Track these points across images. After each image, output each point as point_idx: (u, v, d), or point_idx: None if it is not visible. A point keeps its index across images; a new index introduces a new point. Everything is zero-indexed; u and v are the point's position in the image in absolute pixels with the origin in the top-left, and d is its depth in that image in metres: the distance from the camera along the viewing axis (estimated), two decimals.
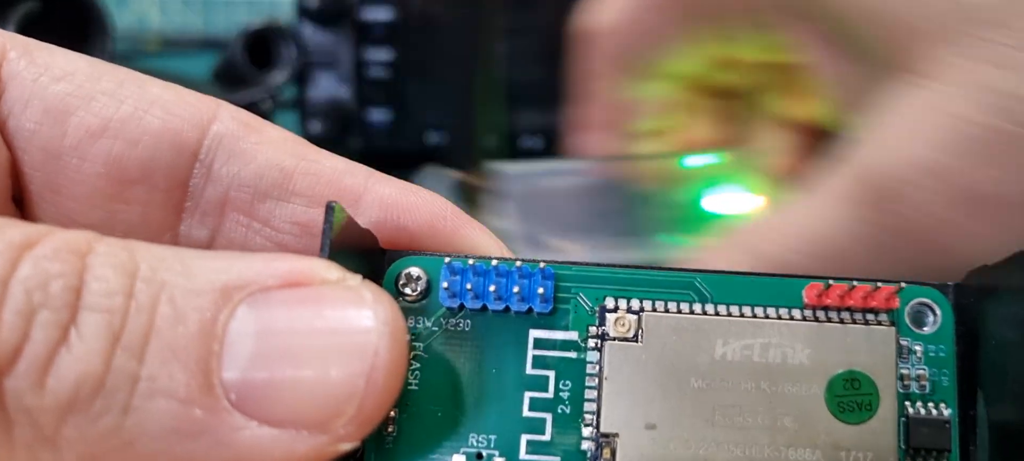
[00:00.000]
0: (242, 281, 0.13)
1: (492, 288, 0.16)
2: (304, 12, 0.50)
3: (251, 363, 0.13)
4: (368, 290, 0.14)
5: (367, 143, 0.51)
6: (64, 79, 0.17)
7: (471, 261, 0.16)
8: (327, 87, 0.51)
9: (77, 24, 0.44)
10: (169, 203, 0.18)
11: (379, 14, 0.49)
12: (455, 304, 0.16)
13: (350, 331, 0.13)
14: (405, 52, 0.49)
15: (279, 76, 0.52)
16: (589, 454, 0.16)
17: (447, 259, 0.16)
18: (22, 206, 0.18)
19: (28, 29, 0.41)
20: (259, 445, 0.13)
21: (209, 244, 0.18)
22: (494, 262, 0.16)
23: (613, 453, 0.16)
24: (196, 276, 0.13)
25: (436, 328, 0.16)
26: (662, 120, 0.33)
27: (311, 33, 0.50)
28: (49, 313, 0.12)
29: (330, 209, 0.15)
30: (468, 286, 0.16)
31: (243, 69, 0.53)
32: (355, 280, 0.14)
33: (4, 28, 0.40)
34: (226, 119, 0.18)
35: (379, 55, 0.50)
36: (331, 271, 0.14)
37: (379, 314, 0.13)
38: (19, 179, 0.17)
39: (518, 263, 0.16)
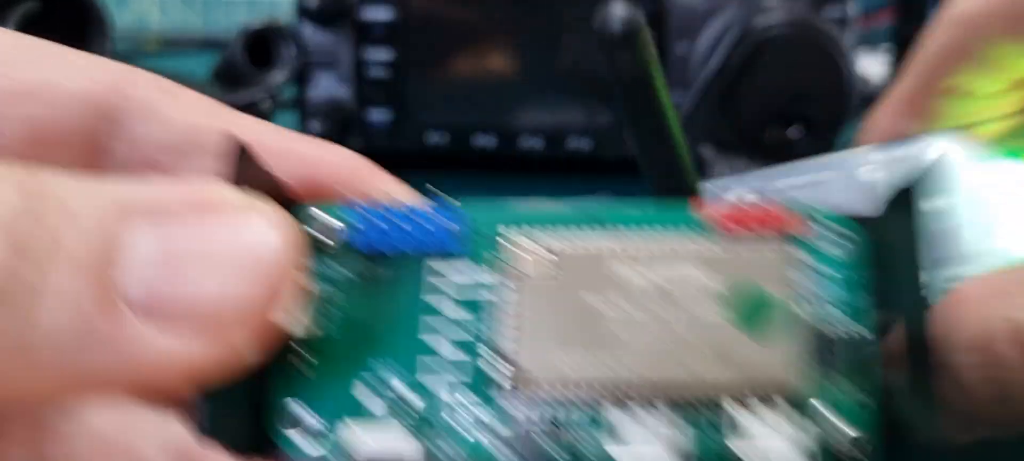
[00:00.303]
0: (141, 199, 0.13)
1: (401, 229, 0.16)
2: (304, 12, 0.49)
3: (151, 275, 0.13)
4: (266, 209, 0.14)
5: (367, 143, 0.51)
6: None
7: (381, 207, 0.17)
8: (327, 87, 0.51)
9: (77, 24, 0.44)
10: (86, 165, 0.18)
11: (379, 14, 0.49)
12: (363, 245, 0.17)
13: (248, 246, 0.14)
14: (405, 52, 0.49)
15: (279, 76, 0.52)
16: (496, 380, 0.16)
17: (358, 206, 0.17)
18: None
19: (28, 28, 0.41)
20: (159, 354, 0.13)
21: None
22: (403, 206, 0.17)
23: (521, 380, 0.16)
24: (95, 194, 0.13)
25: (344, 271, 0.17)
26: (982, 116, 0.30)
27: (311, 33, 0.50)
28: None
29: (231, 141, 0.15)
30: (377, 231, 0.16)
31: (243, 69, 0.53)
32: (255, 200, 0.14)
33: (3, 27, 0.40)
34: (142, 84, 0.18)
35: (379, 55, 0.50)
36: (230, 192, 0.14)
37: (277, 231, 0.14)
38: None
39: (428, 206, 0.17)
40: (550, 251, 0.16)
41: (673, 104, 0.50)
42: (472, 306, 0.16)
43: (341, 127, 0.50)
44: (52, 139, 0.17)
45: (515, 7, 0.49)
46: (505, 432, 0.16)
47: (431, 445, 0.16)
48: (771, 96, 0.45)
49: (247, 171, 0.15)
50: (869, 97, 0.60)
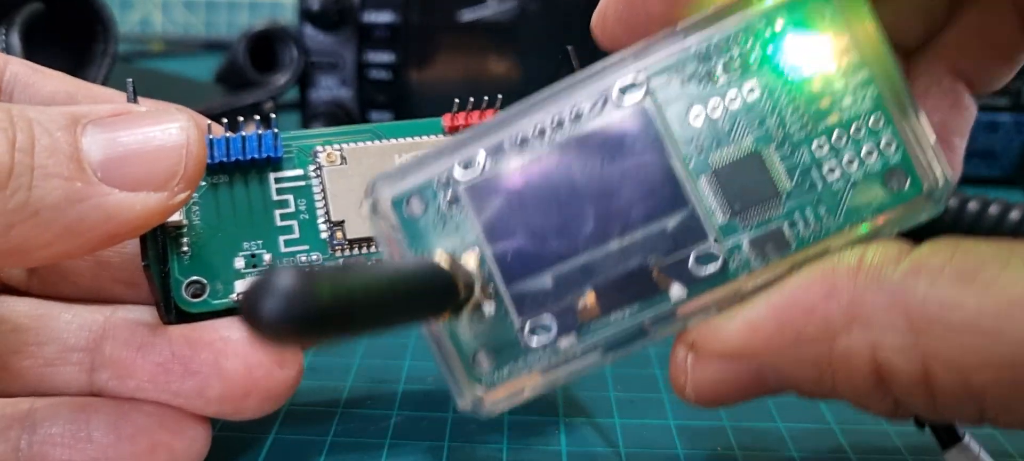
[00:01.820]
0: (82, 113, 0.19)
1: (238, 149, 0.23)
2: (306, 15, 0.50)
3: (106, 154, 0.19)
4: (174, 106, 0.21)
5: None
6: None
7: (224, 138, 0.23)
8: (329, 89, 0.52)
9: (81, 26, 0.44)
10: None
11: (381, 17, 0.50)
12: (215, 163, 0.23)
13: (170, 126, 0.20)
14: (406, 54, 0.50)
15: (281, 78, 0.53)
16: (328, 239, 0.24)
17: (210, 136, 0.23)
18: None
19: (32, 31, 0.42)
20: (124, 203, 0.19)
21: None
22: (242, 138, 0.23)
23: (344, 234, 0.23)
24: (49, 112, 0.19)
25: (205, 180, 0.24)
26: None
27: (313, 35, 0.51)
28: None
29: (129, 81, 0.22)
30: (224, 153, 0.23)
31: (245, 71, 0.54)
32: (163, 104, 0.21)
33: (9, 30, 0.40)
34: (16, 65, 0.24)
35: (380, 57, 0.50)
36: (144, 106, 0.20)
37: (184, 117, 0.20)
38: None
39: (260, 132, 0.24)
40: (348, 150, 0.24)
41: None
42: (302, 194, 0.24)
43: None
44: None
45: (515, 9, 0.50)
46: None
47: None
48: None
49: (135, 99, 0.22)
50: None
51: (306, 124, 0.52)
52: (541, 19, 0.50)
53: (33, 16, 0.42)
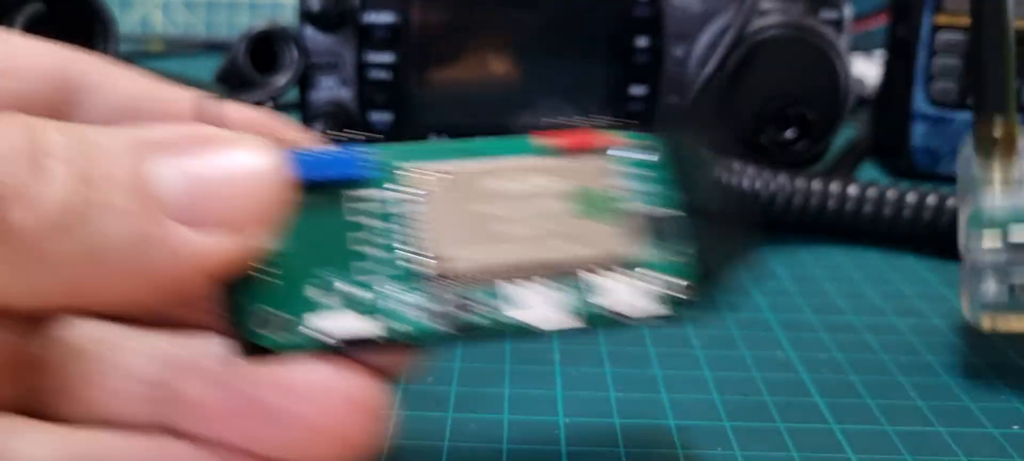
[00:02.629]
0: (153, 138, 0.17)
1: (317, 164, 0.21)
2: (306, 15, 0.50)
3: (180, 188, 0.17)
4: (254, 137, 0.18)
5: None
6: None
7: (308, 153, 0.20)
8: (329, 90, 0.52)
9: (81, 26, 0.44)
10: None
11: (381, 18, 0.50)
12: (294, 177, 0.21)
13: (248, 161, 0.18)
14: (407, 55, 0.50)
15: (281, 78, 0.53)
16: (417, 272, 0.20)
17: (287, 149, 0.20)
18: None
19: (33, 30, 0.42)
20: (197, 247, 0.17)
21: None
22: (324, 152, 0.21)
23: (439, 271, 0.20)
24: (117, 137, 0.17)
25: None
26: None
27: (313, 36, 0.51)
28: (23, 157, 0.16)
29: (209, 103, 0.20)
30: (301, 166, 0.20)
31: (246, 71, 0.54)
32: (241, 133, 0.18)
33: (10, 29, 0.41)
34: (83, 61, 0.22)
35: (381, 58, 0.50)
36: (223, 131, 0.18)
37: (266, 150, 0.18)
38: None
39: (338, 147, 0.21)
40: (442, 172, 0.21)
41: (671, 104, 0.50)
42: (384, 218, 0.21)
43: (343, 129, 0.50)
44: (22, 108, 0.20)
45: (516, 10, 0.50)
46: (433, 309, 0.20)
47: (384, 325, 0.20)
48: (767, 99, 0.46)
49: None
50: (864, 99, 0.61)
51: (307, 125, 0.52)
52: (541, 20, 0.50)
53: (34, 16, 0.42)
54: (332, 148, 0.21)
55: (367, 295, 0.20)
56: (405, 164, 0.21)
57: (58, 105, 0.21)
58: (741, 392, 0.29)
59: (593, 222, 0.21)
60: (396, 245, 0.21)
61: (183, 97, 0.22)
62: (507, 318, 0.20)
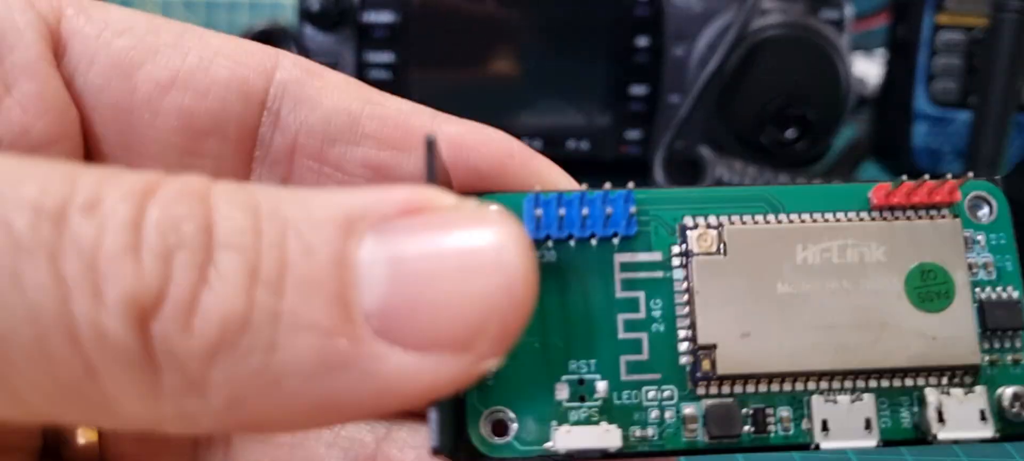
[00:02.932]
0: (361, 211, 0.13)
1: (575, 214, 0.16)
2: (306, 15, 0.50)
3: (387, 290, 0.12)
4: (491, 208, 0.13)
5: None
6: (126, 33, 0.17)
7: (553, 194, 0.16)
8: None
9: None
10: (240, 154, 0.17)
11: (381, 17, 0.50)
12: (541, 235, 0.17)
13: (482, 249, 0.13)
14: (407, 54, 0.50)
15: None
16: (688, 368, 0.16)
17: (532, 193, 0.16)
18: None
19: None
20: (405, 372, 0.12)
21: None
22: (577, 195, 0.17)
23: (713, 364, 0.16)
24: (315, 209, 0.13)
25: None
26: None
27: (313, 35, 0.50)
28: (186, 254, 0.12)
29: (430, 143, 0.15)
30: (554, 219, 0.16)
31: None
32: (471, 202, 0.14)
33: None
34: (288, 66, 0.18)
35: (380, 57, 0.50)
36: (447, 197, 0.13)
37: (507, 230, 0.13)
38: (89, 140, 0.17)
39: (606, 186, 0.17)
40: (730, 233, 0.17)
41: (671, 104, 0.50)
42: (658, 292, 0.17)
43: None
44: (206, 129, 0.17)
45: (516, 10, 0.50)
46: (695, 412, 0.16)
47: (628, 432, 0.16)
48: (768, 98, 0.46)
49: (435, 167, 0.15)
50: (865, 99, 0.61)
51: None
52: (542, 20, 0.50)
53: None
54: (592, 192, 0.17)
55: (619, 397, 0.16)
56: (690, 218, 0.17)
57: (249, 124, 0.17)
58: None
59: (925, 313, 0.17)
60: (664, 329, 0.16)
61: (411, 114, 0.18)
62: (788, 435, 0.16)
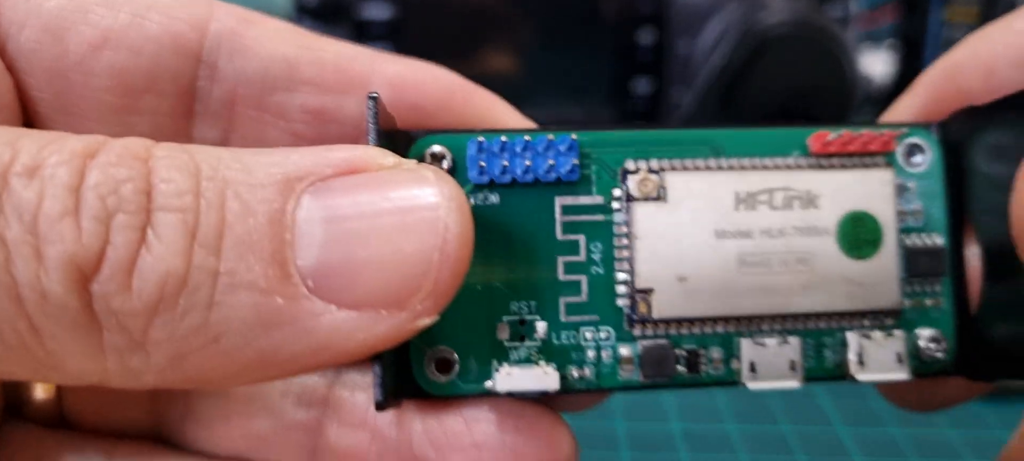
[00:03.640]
0: (300, 172, 0.13)
1: (520, 162, 0.17)
2: (303, 9, 0.49)
3: (324, 249, 0.13)
4: (428, 169, 0.14)
5: None
6: None
7: (503, 137, 0.17)
8: None
9: None
10: (178, 109, 0.17)
11: (378, 12, 0.49)
12: (484, 180, 0.17)
13: (417, 208, 0.13)
14: (405, 50, 0.49)
15: None
16: (625, 310, 0.17)
17: (477, 137, 0.16)
18: None
19: None
20: (340, 329, 0.13)
21: (222, 144, 0.18)
22: (522, 137, 0.17)
23: (649, 307, 0.17)
24: (255, 170, 0.13)
25: (473, 203, 0.17)
26: None
27: (310, 30, 0.50)
28: (125, 216, 0.12)
29: (373, 99, 0.15)
30: (497, 163, 0.17)
31: None
32: (411, 163, 0.14)
33: None
34: (222, 16, 0.18)
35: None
36: (387, 157, 0.14)
37: (443, 190, 0.13)
38: (27, 105, 0.17)
39: (550, 137, 0.17)
40: (670, 179, 0.17)
41: (675, 100, 0.49)
42: (598, 236, 0.17)
43: None
44: (142, 87, 0.17)
45: (516, 4, 0.49)
46: (630, 353, 0.17)
47: (566, 371, 0.17)
48: (774, 94, 0.45)
49: (383, 118, 0.15)
50: (872, 95, 0.60)
51: None
52: (542, 15, 0.49)
53: None
54: (538, 133, 0.17)
55: (558, 338, 0.17)
56: (632, 162, 0.17)
57: (187, 79, 0.17)
58: None
59: (853, 260, 0.17)
60: (603, 272, 0.17)
61: (351, 56, 0.18)
62: (718, 375, 0.17)
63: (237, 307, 0.12)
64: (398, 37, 0.49)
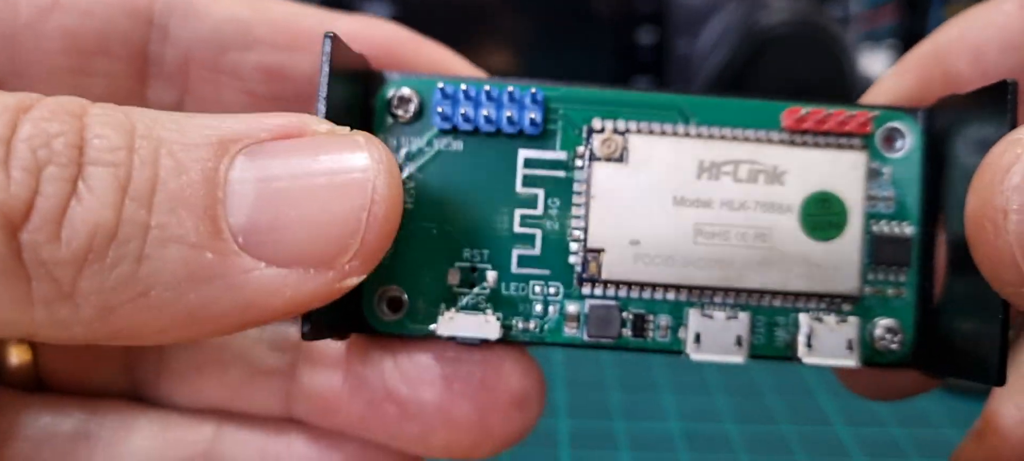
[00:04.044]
0: (235, 134, 0.13)
1: (484, 111, 0.17)
2: None
3: (255, 207, 0.13)
4: (360, 135, 0.14)
5: None
6: None
7: (464, 85, 0.17)
8: None
9: None
10: (132, 71, 0.18)
11: (378, 11, 0.49)
12: (448, 125, 0.17)
13: (347, 170, 0.14)
14: None
15: None
16: (576, 268, 0.17)
17: (441, 83, 0.17)
18: None
19: None
20: (269, 285, 0.13)
21: (178, 106, 0.18)
22: (486, 87, 0.17)
23: (599, 268, 0.17)
24: (191, 131, 0.13)
25: (428, 148, 0.17)
26: None
27: None
28: (56, 168, 0.12)
29: (329, 37, 0.15)
30: (462, 110, 0.17)
31: None
32: (343, 129, 0.14)
33: None
34: None
35: None
36: (321, 124, 0.14)
37: (373, 154, 0.14)
38: None
39: (510, 88, 0.17)
40: (634, 141, 0.17)
41: None
42: (557, 191, 0.17)
43: None
44: (93, 49, 0.17)
45: (515, 4, 0.49)
46: (577, 311, 0.17)
47: (511, 322, 0.17)
48: (774, 93, 0.45)
49: (340, 55, 0.16)
50: None
51: None
52: (542, 15, 0.49)
53: None
54: (502, 84, 0.17)
55: (505, 288, 0.17)
56: (599, 120, 0.17)
57: (139, 42, 0.17)
58: None
59: (814, 241, 0.17)
60: (558, 228, 0.17)
61: (302, 16, 0.18)
62: (664, 342, 0.17)
63: (167, 260, 0.13)
64: None
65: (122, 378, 0.18)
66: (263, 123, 0.14)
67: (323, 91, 0.15)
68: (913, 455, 0.25)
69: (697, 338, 0.17)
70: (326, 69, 0.15)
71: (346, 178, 0.14)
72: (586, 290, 0.17)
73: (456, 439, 0.17)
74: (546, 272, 0.17)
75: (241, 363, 0.18)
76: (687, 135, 0.17)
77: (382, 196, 0.14)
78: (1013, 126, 0.15)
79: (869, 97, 0.19)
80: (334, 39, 0.15)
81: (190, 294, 0.13)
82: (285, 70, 0.18)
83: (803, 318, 0.17)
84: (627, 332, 0.17)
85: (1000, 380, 0.16)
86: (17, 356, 0.18)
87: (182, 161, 0.13)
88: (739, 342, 0.17)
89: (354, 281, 0.14)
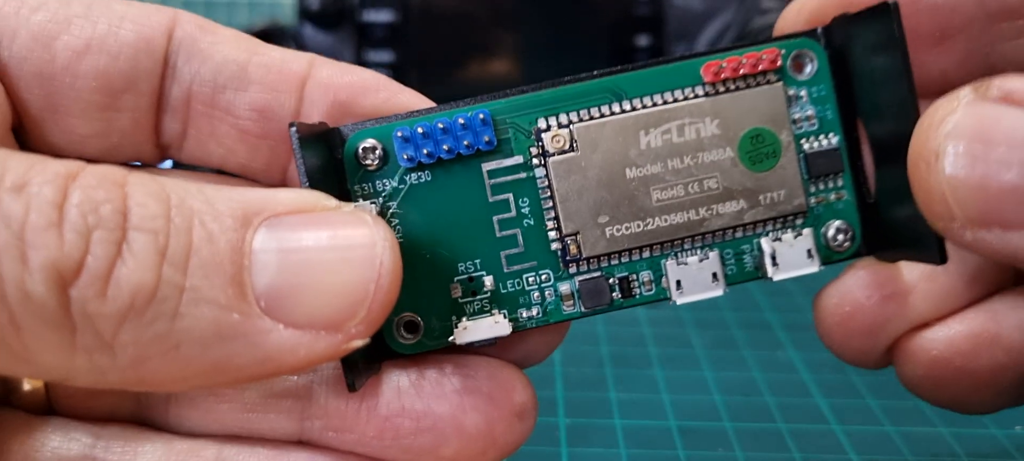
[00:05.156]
0: (257, 208, 0.15)
1: (444, 146, 0.18)
2: (305, 14, 0.50)
3: (276, 275, 0.15)
4: (366, 213, 0.16)
5: None
6: (41, 8, 0.19)
7: (420, 128, 0.18)
8: None
9: None
10: (151, 106, 0.19)
11: (380, 16, 0.50)
12: (412, 164, 0.18)
13: (358, 246, 0.15)
14: (406, 53, 0.50)
15: None
16: (559, 252, 0.19)
17: (397, 131, 0.18)
18: (22, 133, 0.19)
19: None
20: (285, 345, 0.15)
21: (182, 137, 0.20)
22: (439, 122, 0.18)
23: (579, 248, 0.19)
24: (217, 203, 0.15)
25: (401, 185, 0.19)
26: None
27: (312, 34, 0.50)
28: (104, 232, 0.14)
29: (293, 127, 0.17)
30: (424, 150, 0.18)
31: None
32: (350, 207, 0.16)
33: None
34: (185, 24, 0.20)
35: (380, 56, 0.50)
36: (329, 200, 0.16)
37: (379, 231, 0.15)
38: (16, 106, 0.19)
39: (461, 118, 0.18)
40: (579, 131, 0.19)
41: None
42: (524, 191, 0.19)
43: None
44: (121, 87, 0.19)
45: (515, 10, 0.49)
46: (570, 289, 0.19)
47: (516, 314, 0.19)
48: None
49: (305, 132, 0.17)
50: None
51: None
52: (541, 19, 0.50)
53: None
54: (449, 113, 0.18)
55: (505, 288, 0.19)
56: (543, 120, 0.19)
57: (148, 78, 0.19)
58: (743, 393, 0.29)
59: (758, 173, 0.19)
60: (534, 223, 0.18)
61: (292, 60, 0.20)
62: (651, 295, 0.19)
63: (199, 319, 0.14)
64: (399, 41, 0.50)
65: (129, 403, 0.19)
66: (279, 198, 0.15)
67: (302, 172, 0.17)
68: (907, 453, 0.26)
69: (678, 284, 0.19)
70: (299, 154, 0.17)
71: (356, 252, 0.15)
72: (573, 269, 0.19)
73: (466, 448, 0.18)
74: (534, 263, 0.19)
75: (258, 384, 0.19)
76: (623, 111, 0.19)
77: (388, 269, 0.15)
78: (901, 36, 0.17)
79: (777, 30, 0.20)
80: (297, 125, 0.17)
81: (216, 349, 0.14)
82: (273, 109, 0.19)
83: (764, 242, 0.19)
84: (617, 295, 0.19)
85: (942, 258, 0.17)
86: (30, 381, 0.20)
87: (212, 231, 0.15)
88: (715, 277, 0.19)
89: (359, 343, 0.15)
